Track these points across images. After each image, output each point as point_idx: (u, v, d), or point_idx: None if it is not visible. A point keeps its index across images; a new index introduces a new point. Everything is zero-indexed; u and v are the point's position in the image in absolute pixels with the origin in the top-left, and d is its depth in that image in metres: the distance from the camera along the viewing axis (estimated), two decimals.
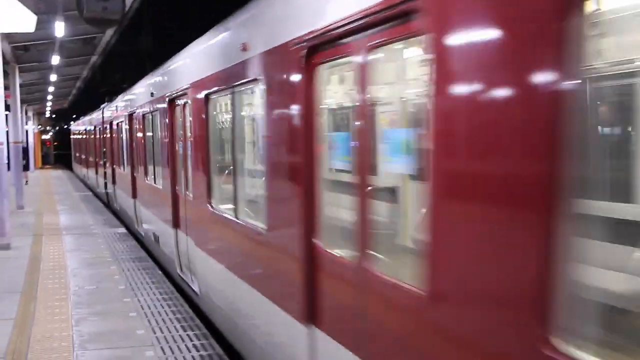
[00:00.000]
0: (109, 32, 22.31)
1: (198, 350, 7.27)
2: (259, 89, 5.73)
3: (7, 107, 24.24)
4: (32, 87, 33.38)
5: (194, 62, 8.61)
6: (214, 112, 7.94)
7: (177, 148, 9.87)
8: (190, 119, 8.64)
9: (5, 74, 19.61)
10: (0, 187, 14.02)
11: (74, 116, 65.30)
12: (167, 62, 10.90)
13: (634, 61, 3.88)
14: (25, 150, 38.92)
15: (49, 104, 50.69)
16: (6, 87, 22.18)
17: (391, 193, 4.66)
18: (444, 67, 3.07)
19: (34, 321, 8.41)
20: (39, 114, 60.27)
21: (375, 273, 3.93)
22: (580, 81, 2.41)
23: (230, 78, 6.63)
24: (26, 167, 36.05)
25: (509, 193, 2.68)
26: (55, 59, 23.12)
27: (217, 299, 7.71)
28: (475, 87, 2.88)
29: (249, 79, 5.98)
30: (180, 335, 7.82)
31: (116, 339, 7.64)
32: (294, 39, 4.84)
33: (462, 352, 3.04)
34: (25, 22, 11.04)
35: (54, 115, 79.56)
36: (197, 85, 8.17)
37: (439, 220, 3.15)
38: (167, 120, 10.25)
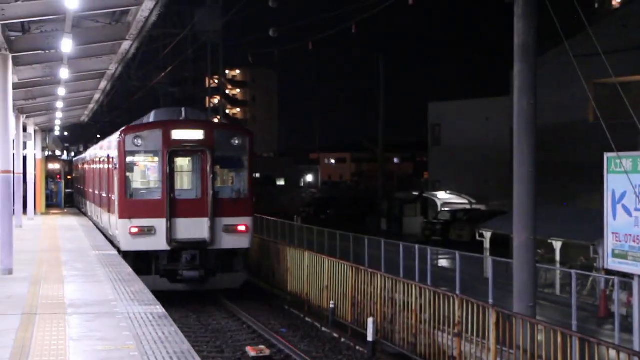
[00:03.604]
0: (148, 4, 14.78)
1: None
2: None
3: None
4: (33, 88, 24.15)
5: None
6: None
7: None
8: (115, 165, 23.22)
9: None
10: None
11: (99, 136, 49.96)
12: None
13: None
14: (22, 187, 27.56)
15: (59, 115, 35.69)
16: None
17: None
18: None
19: None
20: (44, 131, 43.23)
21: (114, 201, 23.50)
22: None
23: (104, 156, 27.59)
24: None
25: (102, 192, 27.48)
26: (67, 45, 15.41)
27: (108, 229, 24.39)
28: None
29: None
30: None
31: None
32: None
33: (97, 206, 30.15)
34: None
35: (66, 134, 66.88)
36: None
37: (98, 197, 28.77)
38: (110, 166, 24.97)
